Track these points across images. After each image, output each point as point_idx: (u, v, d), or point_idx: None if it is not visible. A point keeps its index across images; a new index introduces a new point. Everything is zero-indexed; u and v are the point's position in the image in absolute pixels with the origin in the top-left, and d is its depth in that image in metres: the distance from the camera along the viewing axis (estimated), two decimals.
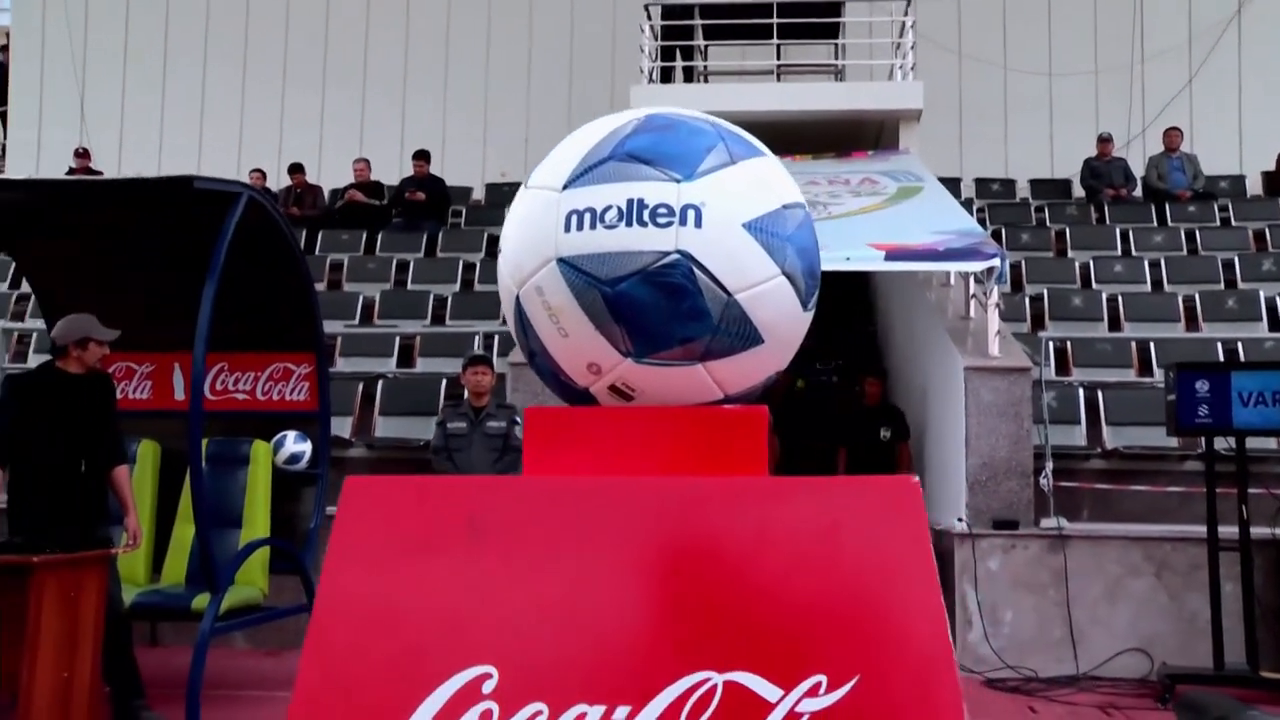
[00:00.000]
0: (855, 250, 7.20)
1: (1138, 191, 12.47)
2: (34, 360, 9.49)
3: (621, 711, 1.01)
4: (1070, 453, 7.73)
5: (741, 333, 1.05)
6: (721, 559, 0.95)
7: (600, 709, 1.01)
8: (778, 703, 1.01)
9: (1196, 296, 9.75)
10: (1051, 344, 8.08)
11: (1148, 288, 10.18)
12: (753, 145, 1.20)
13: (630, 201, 1.03)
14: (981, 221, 11.74)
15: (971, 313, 7.91)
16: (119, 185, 6.13)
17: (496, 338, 9.09)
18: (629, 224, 1.02)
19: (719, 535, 0.92)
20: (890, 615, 1.01)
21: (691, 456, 1.00)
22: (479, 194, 13.80)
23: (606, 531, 0.97)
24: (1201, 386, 6.25)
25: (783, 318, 1.08)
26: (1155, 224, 11.61)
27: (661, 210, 1.03)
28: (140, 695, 5.18)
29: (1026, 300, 9.84)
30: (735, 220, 1.05)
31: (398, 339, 9.48)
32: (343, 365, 9.23)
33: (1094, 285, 10.19)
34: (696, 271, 1.02)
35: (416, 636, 1.01)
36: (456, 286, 10.83)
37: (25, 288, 9.56)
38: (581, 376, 1.04)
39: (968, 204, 11.94)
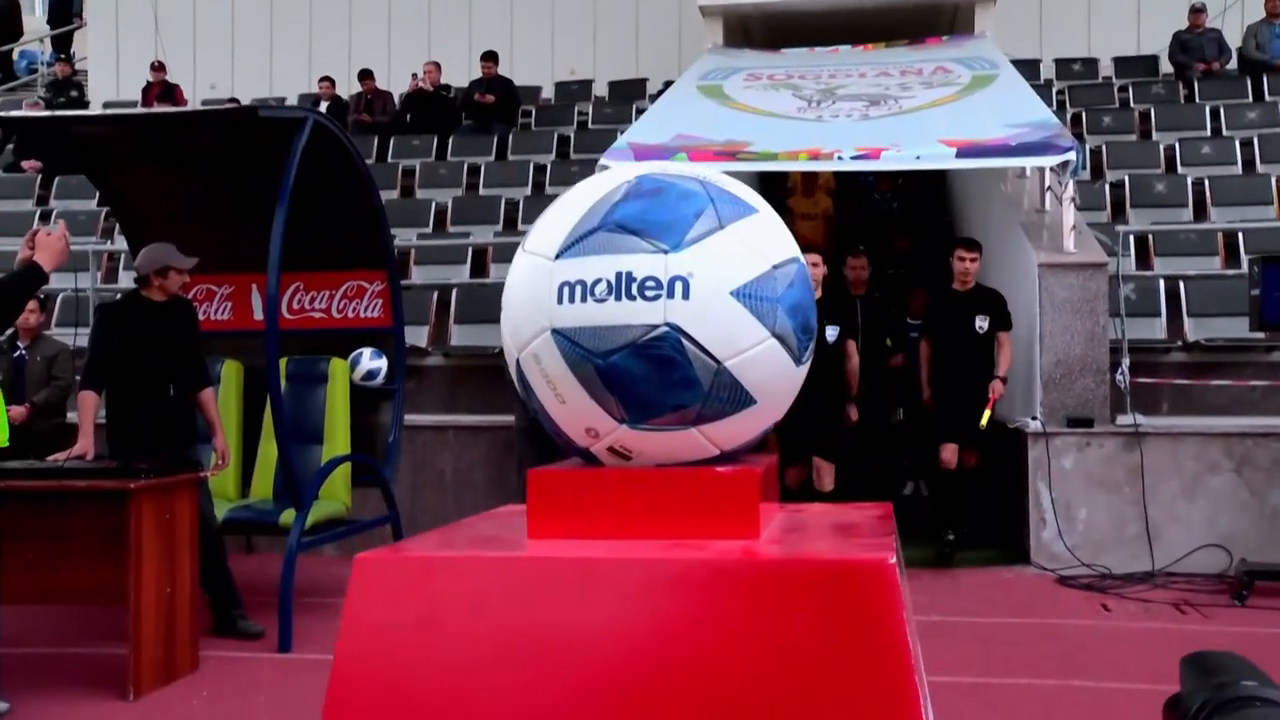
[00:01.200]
0: (926, 148, 7.06)
1: (1232, 64, 11.91)
2: (124, 279, 9.80)
3: None
4: (1149, 346, 7.60)
5: (733, 397, 1.07)
6: (697, 649, 0.98)
7: None
8: None
9: None
10: (1132, 237, 7.85)
11: (1238, 169, 9.81)
12: (744, 203, 1.20)
13: (619, 275, 1.05)
14: (1061, 105, 11.39)
15: (1047, 205, 7.73)
16: (190, 117, 6.24)
17: None
18: (618, 298, 1.04)
19: (695, 624, 0.95)
20: (858, 710, 1.02)
21: (687, 518, 1.03)
22: (548, 93, 13.70)
23: (596, 614, 1.00)
24: None
25: (774, 378, 1.10)
26: (1250, 99, 11.12)
27: (649, 283, 1.05)
28: (237, 605, 5.46)
29: (1107, 188, 9.57)
30: (723, 288, 1.06)
31: (470, 248, 9.57)
32: (417, 275, 9.37)
33: (1179, 169, 9.85)
34: (685, 342, 1.04)
35: (423, 711, 1.06)
36: (528, 190, 10.85)
37: None
38: (581, 439, 1.08)
39: (1047, 86, 11.57)
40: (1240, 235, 8.49)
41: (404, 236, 9.34)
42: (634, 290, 1.03)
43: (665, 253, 1.08)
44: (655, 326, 1.04)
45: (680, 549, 1.01)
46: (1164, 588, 6.26)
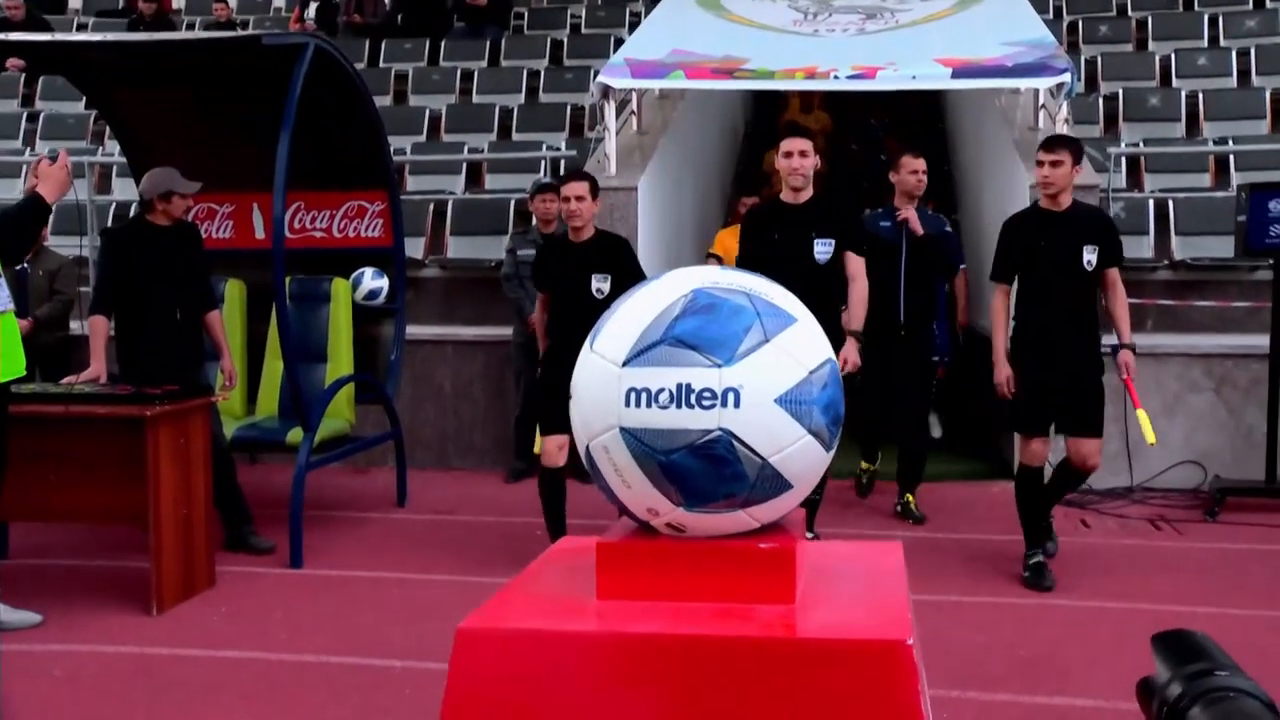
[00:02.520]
0: (922, 68, 7.08)
1: None
2: (118, 187, 9.80)
3: None
4: (1137, 265, 7.70)
5: (774, 485, 1.27)
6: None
7: None
8: None
9: None
10: (1124, 161, 7.91)
11: (1233, 82, 9.82)
12: (785, 314, 1.36)
13: (680, 385, 1.24)
14: (1058, 11, 11.31)
15: (1040, 123, 7.77)
16: (193, 45, 6.20)
17: (563, 152, 9.14)
18: (679, 405, 1.23)
19: (733, 702, 1.11)
20: None
21: (734, 584, 1.22)
22: None
23: (661, 687, 1.16)
24: (1275, 206, 6.19)
25: (809, 467, 1.31)
26: (1250, 6, 11.05)
27: (706, 394, 1.24)
28: (248, 521, 5.66)
29: (1100, 101, 9.57)
30: (769, 397, 1.25)
31: (465, 164, 9.57)
32: (412, 185, 9.39)
33: (1174, 82, 9.85)
34: (736, 444, 1.23)
35: None
36: (522, 98, 10.79)
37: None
38: (642, 515, 1.28)
39: None
40: (1231, 153, 8.55)
41: (398, 145, 9.32)
42: (692, 400, 1.23)
43: (719, 366, 1.25)
44: (710, 431, 1.23)
45: (727, 619, 1.17)
46: (1141, 503, 6.51)
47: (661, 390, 1.26)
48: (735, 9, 8.72)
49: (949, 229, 6.58)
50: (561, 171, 9.03)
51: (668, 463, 1.24)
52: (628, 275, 4.88)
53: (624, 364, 1.27)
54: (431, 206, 8.94)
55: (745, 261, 5.25)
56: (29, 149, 10.80)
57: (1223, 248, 7.49)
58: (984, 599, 4.90)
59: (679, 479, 1.25)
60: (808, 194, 5.28)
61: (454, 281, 8.55)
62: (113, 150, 9.72)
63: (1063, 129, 7.17)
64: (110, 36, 7.32)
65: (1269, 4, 10.88)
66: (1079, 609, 4.73)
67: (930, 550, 5.69)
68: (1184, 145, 8.90)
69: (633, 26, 11.43)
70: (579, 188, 5.20)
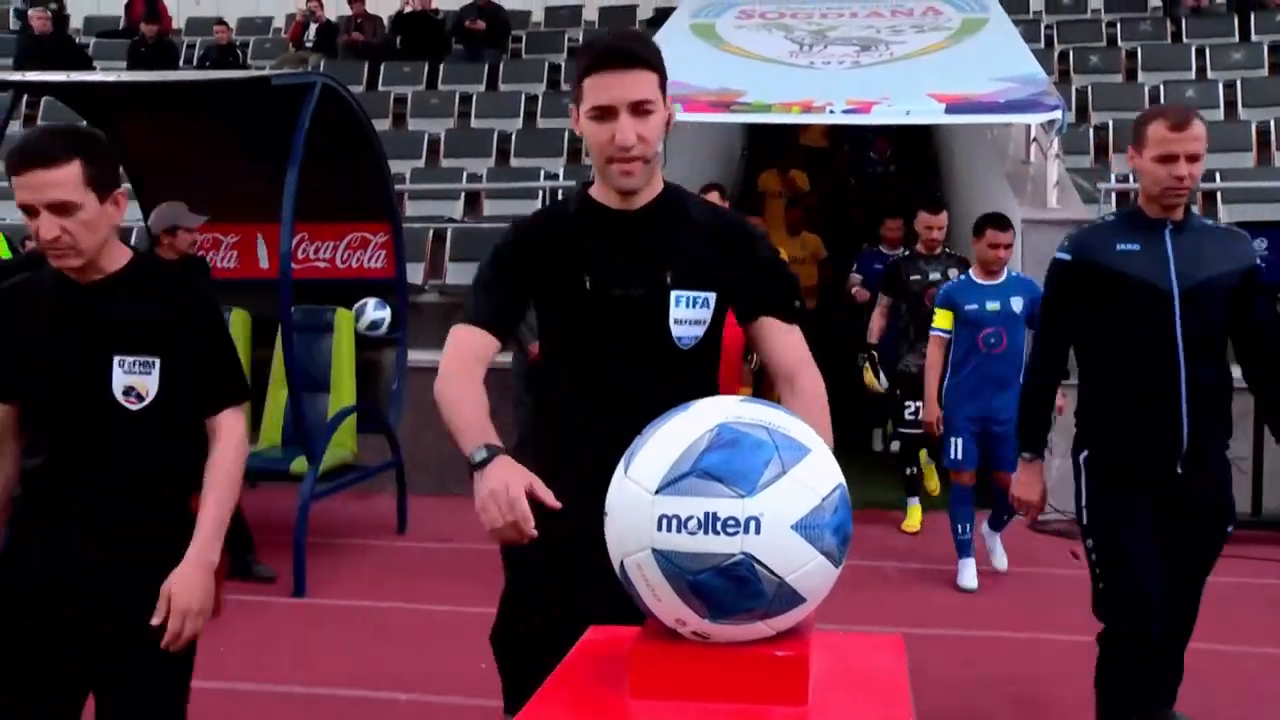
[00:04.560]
0: (916, 103, 7.22)
1: None
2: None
3: None
4: None
5: (790, 601, 1.41)
6: None
7: None
8: None
9: (1272, 123, 9.57)
10: (1114, 194, 8.07)
11: (1220, 114, 9.98)
12: (801, 446, 1.49)
13: (707, 514, 1.38)
14: (1049, 40, 11.49)
15: (1032, 156, 7.91)
16: (202, 85, 6.31)
17: (561, 181, 9.27)
18: (705, 532, 1.37)
19: None
20: None
21: (752, 686, 1.35)
22: (538, 17, 13.64)
23: None
24: (1259, 244, 6.29)
25: (821, 583, 1.46)
26: (1237, 39, 11.24)
27: (731, 522, 1.38)
28: (251, 550, 5.73)
29: (1091, 131, 9.74)
30: (786, 523, 1.40)
31: (463, 191, 9.68)
32: (411, 210, 9.49)
33: None
34: (757, 566, 1.37)
35: None
36: (520, 122, 10.92)
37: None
38: (670, 624, 1.41)
39: (1035, 23, 11.64)
40: (1218, 177, 8.73)
41: (398, 169, 9.42)
42: (718, 527, 1.37)
43: (742, 497, 1.37)
44: (733, 555, 1.36)
45: (748, 718, 1.30)
46: None
47: (690, 518, 1.40)
48: (731, 39, 8.85)
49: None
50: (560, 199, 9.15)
51: (695, 581, 1.38)
52: None
53: (656, 491, 1.40)
54: (431, 232, 9.05)
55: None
56: None
57: None
58: (975, 632, 5.00)
59: (705, 595, 1.38)
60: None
61: (453, 307, 8.64)
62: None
63: (1054, 162, 7.33)
64: (125, 76, 7.43)
65: (1255, 37, 11.07)
66: (1070, 644, 4.82)
67: (922, 581, 5.79)
68: None
69: None
70: None
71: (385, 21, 12.82)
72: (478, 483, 1.91)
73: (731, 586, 1.34)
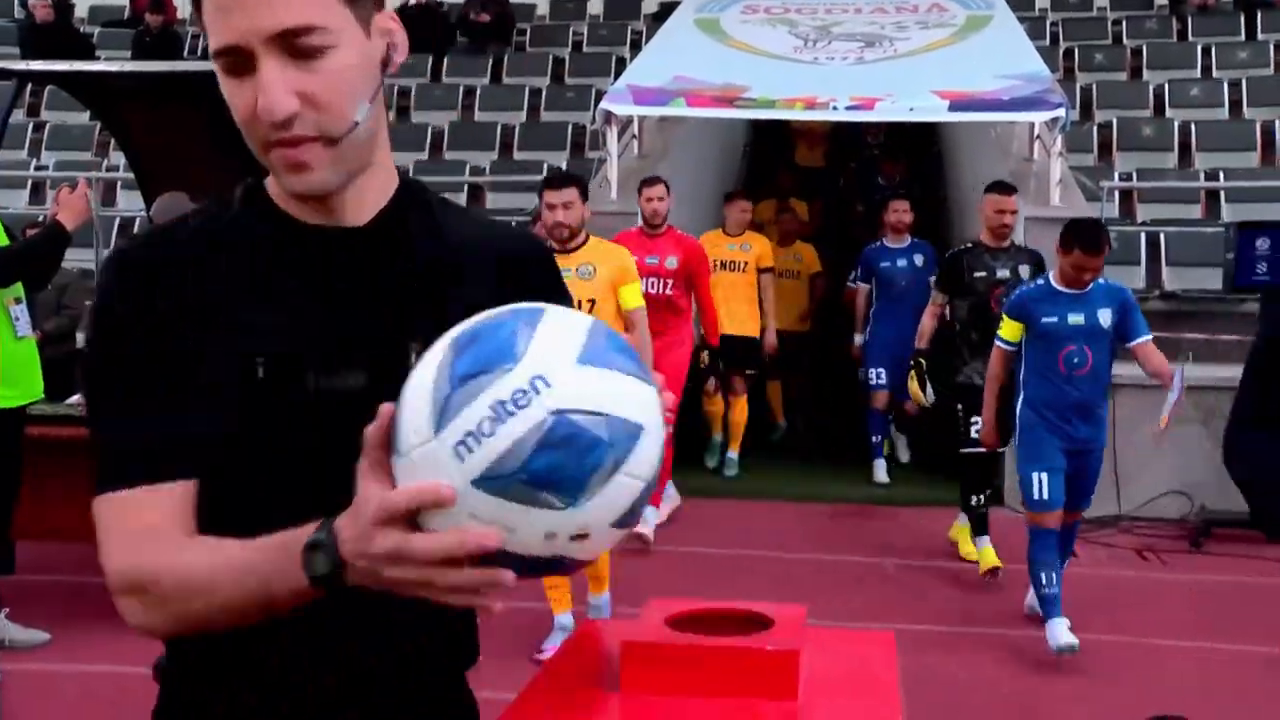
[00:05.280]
0: (919, 100, 7.22)
1: None
2: (122, 199, 9.91)
3: None
4: None
5: (628, 431, 1.11)
6: None
7: None
8: None
9: (1276, 123, 9.56)
10: (1117, 192, 8.07)
11: (1225, 113, 9.97)
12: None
13: (496, 404, 1.08)
14: (1054, 38, 11.46)
15: (1035, 154, 7.91)
16: (206, 75, 6.30)
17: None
18: (502, 420, 1.07)
19: None
20: None
21: (743, 681, 1.33)
22: (543, 10, 13.62)
23: None
24: (1262, 244, 6.32)
25: (644, 404, 1.15)
26: (1243, 37, 11.21)
27: (517, 396, 1.09)
28: None
29: (1095, 129, 9.73)
30: (571, 360, 1.12)
31: (466, 184, 9.69)
32: None
33: (1167, 112, 10.01)
34: (573, 416, 1.07)
35: None
36: (523, 116, 10.92)
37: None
38: (543, 549, 1.09)
39: (1040, 20, 11.62)
40: (1221, 175, 8.74)
41: (400, 163, 9.43)
42: (512, 408, 1.02)
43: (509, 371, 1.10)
44: (544, 420, 1.07)
45: (738, 715, 1.30)
46: (1128, 532, 6.63)
47: (481, 421, 1.06)
48: (736, 34, 8.85)
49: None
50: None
51: (529, 476, 1.05)
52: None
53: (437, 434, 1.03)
54: None
55: None
56: (34, 159, 10.92)
57: (1213, 279, 7.62)
58: (968, 629, 5.02)
59: (548, 483, 1.06)
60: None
61: None
62: (118, 161, 9.82)
63: (1057, 160, 7.32)
64: (128, 66, 7.43)
65: (1261, 36, 11.04)
66: None
67: (914, 578, 5.81)
68: (1176, 179, 9.05)
69: (634, 45, 11.57)
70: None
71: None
72: (357, 573, 1.08)
73: (563, 453, 1.04)
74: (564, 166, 9.61)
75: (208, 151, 6.44)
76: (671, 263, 6.14)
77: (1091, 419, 4.74)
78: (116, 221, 9.50)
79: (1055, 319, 4.64)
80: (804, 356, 8.44)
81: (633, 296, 4.75)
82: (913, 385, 6.00)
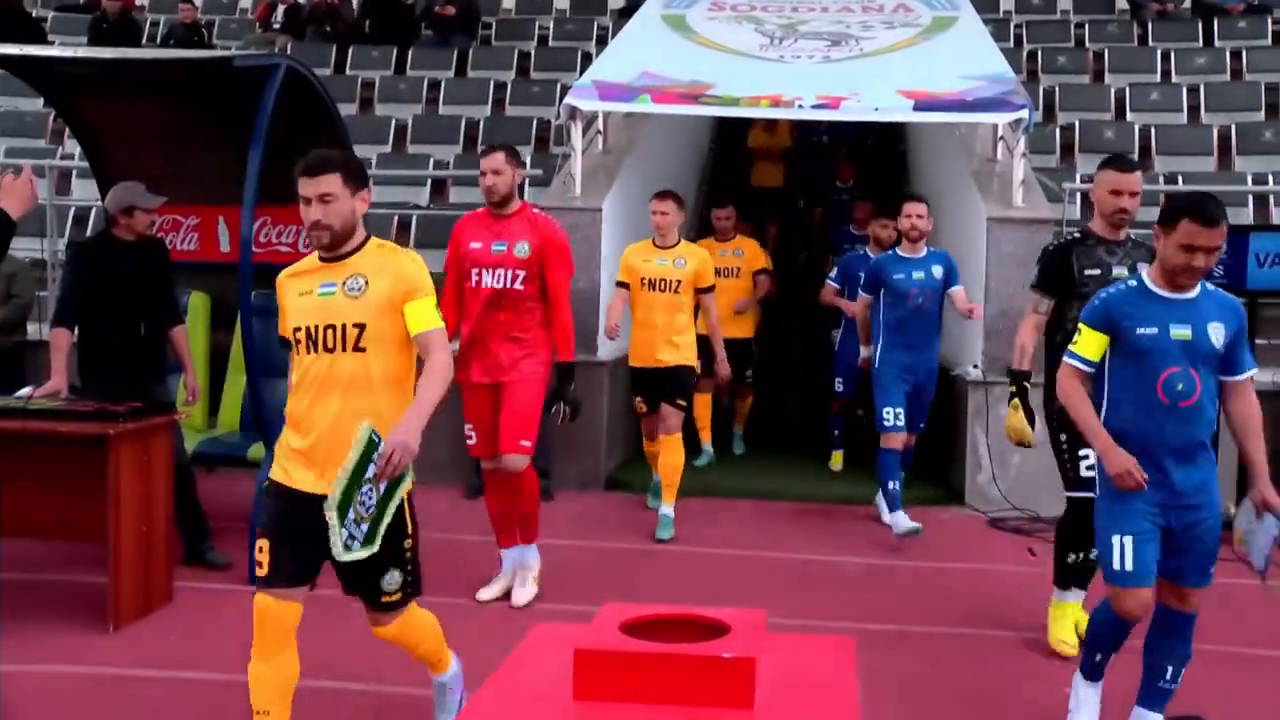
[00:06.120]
0: (884, 99, 7.22)
1: (1187, 4, 12.10)
2: (77, 188, 9.74)
3: None
4: None
5: None
6: None
7: None
8: None
9: (1233, 128, 9.67)
10: (1079, 194, 8.11)
11: (1183, 117, 10.08)
12: None
13: None
14: (1018, 40, 11.54)
15: (999, 155, 7.94)
16: (164, 63, 6.21)
17: (528, 170, 9.20)
18: None
19: None
20: None
21: (698, 691, 1.29)
22: (509, 4, 13.54)
23: None
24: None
25: None
26: (1200, 44, 11.34)
27: None
28: (207, 538, 5.67)
29: (1057, 131, 9.80)
30: None
31: (430, 178, 9.60)
32: (376, 196, 9.37)
33: (1128, 115, 10.10)
34: None
35: None
36: (488, 109, 10.85)
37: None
38: None
39: (1004, 23, 11.69)
40: (1181, 188, 8.78)
41: (364, 154, 9.34)
42: None
43: None
44: None
45: None
46: None
47: None
48: (702, 31, 8.82)
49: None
50: (527, 188, 9.09)
51: None
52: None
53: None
54: (396, 219, 8.98)
55: None
56: None
57: None
58: (930, 628, 5.02)
59: None
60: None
61: None
62: (73, 150, 9.65)
63: (1020, 161, 7.36)
64: (81, 52, 7.30)
65: (1218, 43, 11.17)
66: (1024, 641, 4.86)
67: (879, 576, 5.81)
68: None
69: (600, 40, 11.53)
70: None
71: (355, 5, 12.69)
72: None
73: None
74: (528, 161, 9.54)
75: (166, 141, 6.36)
76: (522, 250, 5.01)
77: (1197, 467, 3.54)
78: (72, 211, 9.33)
79: (1154, 330, 3.50)
80: (748, 362, 8.04)
81: (422, 317, 3.38)
82: (1015, 419, 4.75)
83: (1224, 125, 9.75)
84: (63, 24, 12.74)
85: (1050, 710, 4.11)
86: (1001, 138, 7.91)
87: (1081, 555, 4.57)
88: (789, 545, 6.29)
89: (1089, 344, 3.61)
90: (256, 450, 5.75)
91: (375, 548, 3.24)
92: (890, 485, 6.32)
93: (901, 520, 6.17)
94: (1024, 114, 7.02)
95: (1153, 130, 9.69)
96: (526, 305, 5.06)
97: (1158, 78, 10.76)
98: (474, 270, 5.08)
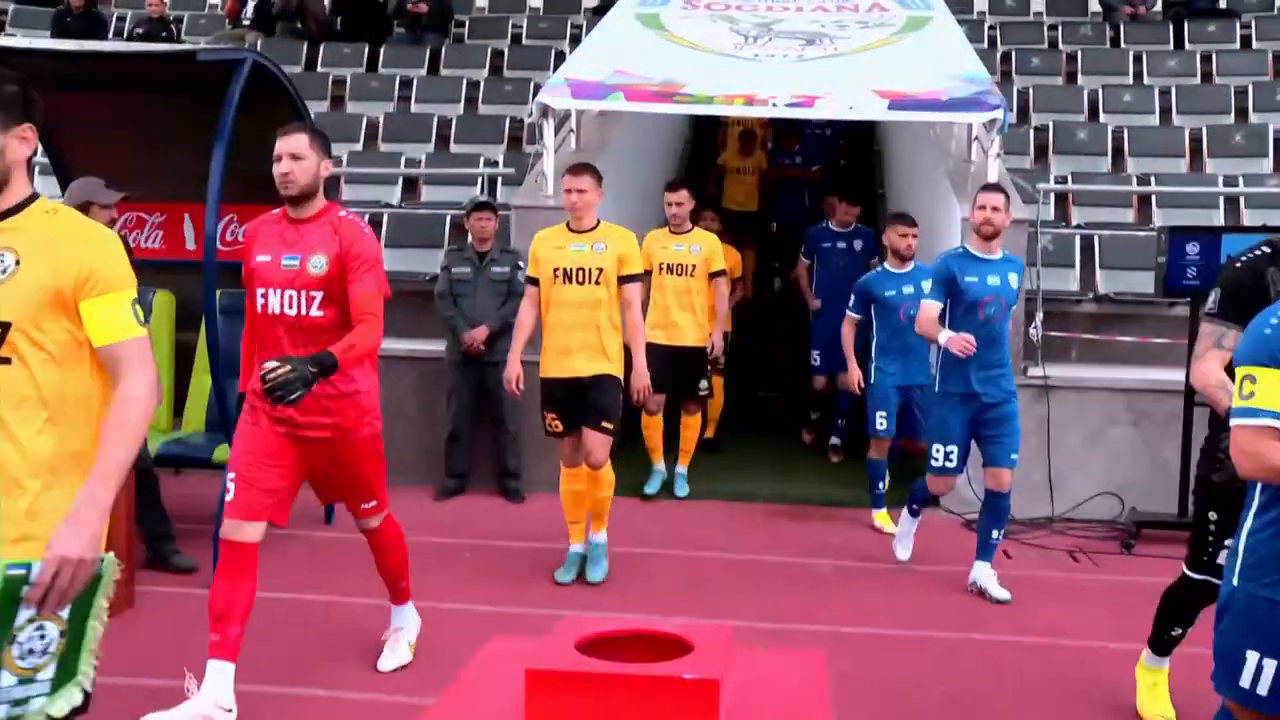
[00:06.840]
0: (859, 98, 7.19)
1: (1158, 7, 12.14)
2: (39, 184, 9.56)
3: None
4: (1062, 298, 7.91)
5: None
6: None
7: None
8: None
9: (1204, 131, 9.70)
10: (1053, 195, 8.11)
11: (1155, 120, 10.10)
12: None
13: None
14: (993, 41, 11.54)
15: (974, 155, 7.91)
16: (127, 56, 6.09)
17: (500, 169, 9.14)
18: None
19: None
20: None
21: (658, 714, 1.20)
22: (482, 1, 13.43)
23: None
24: (1192, 249, 6.37)
25: None
26: (1171, 46, 11.38)
27: None
28: (170, 539, 5.56)
29: (1031, 132, 9.80)
30: None
31: (401, 176, 9.50)
32: (348, 194, 9.30)
33: (1101, 117, 10.11)
34: None
35: None
36: (460, 108, 10.75)
37: None
38: None
39: (979, 24, 11.69)
40: (1153, 180, 8.88)
41: (335, 152, 9.19)
42: None
43: None
44: None
45: None
46: (1061, 534, 6.65)
47: None
48: (676, 29, 8.76)
49: None
50: (499, 187, 9.02)
51: None
52: None
53: None
54: (367, 217, 8.86)
55: None
56: None
57: (1145, 282, 7.69)
58: (906, 631, 4.98)
59: None
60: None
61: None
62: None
63: (995, 162, 7.33)
64: (40, 43, 7.16)
65: (1189, 46, 11.22)
66: (998, 644, 4.83)
67: (857, 579, 5.77)
68: (1109, 183, 9.14)
69: (574, 39, 11.45)
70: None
71: (326, 1, 12.56)
72: None
73: None
74: (501, 160, 9.48)
75: (130, 137, 6.25)
76: (318, 265, 3.97)
77: None
78: None
79: None
80: (700, 375, 7.33)
81: (110, 320, 2.52)
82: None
83: (1195, 127, 9.77)
84: (24, 17, 12.53)
85: (1034, 713, 4.08)
86: (976, 138, 7.89)
87: (1181, 631, 4.09)
88: (762, 547, 6.24)
89: (1272, 390, 2.52)
90: (221, 452, 5.64)
91: (83, 681, 2.33)
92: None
93: (899, 550, 6.09)
94: (998, 114, 7.01)
95: (1125, 132, 9.70)
96: (325, 339, 3.92)
97: (1130, 80, 10.79)
98: (260, 291, 4.05)
